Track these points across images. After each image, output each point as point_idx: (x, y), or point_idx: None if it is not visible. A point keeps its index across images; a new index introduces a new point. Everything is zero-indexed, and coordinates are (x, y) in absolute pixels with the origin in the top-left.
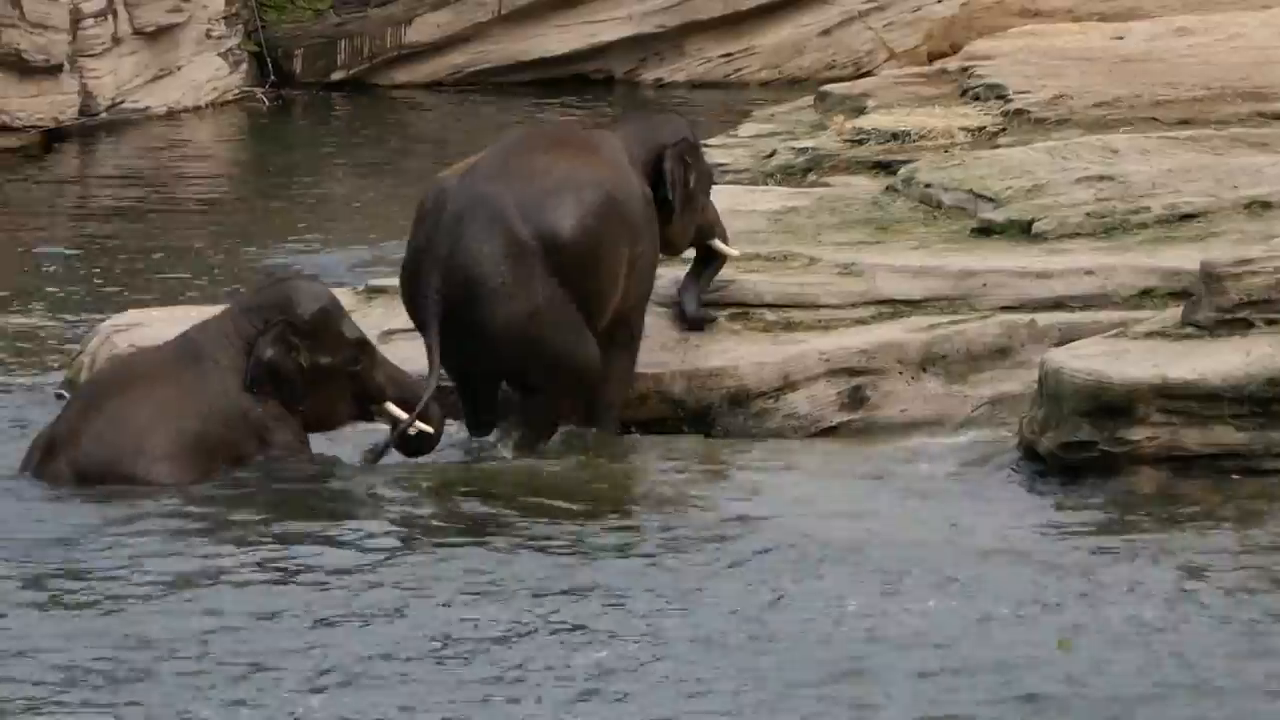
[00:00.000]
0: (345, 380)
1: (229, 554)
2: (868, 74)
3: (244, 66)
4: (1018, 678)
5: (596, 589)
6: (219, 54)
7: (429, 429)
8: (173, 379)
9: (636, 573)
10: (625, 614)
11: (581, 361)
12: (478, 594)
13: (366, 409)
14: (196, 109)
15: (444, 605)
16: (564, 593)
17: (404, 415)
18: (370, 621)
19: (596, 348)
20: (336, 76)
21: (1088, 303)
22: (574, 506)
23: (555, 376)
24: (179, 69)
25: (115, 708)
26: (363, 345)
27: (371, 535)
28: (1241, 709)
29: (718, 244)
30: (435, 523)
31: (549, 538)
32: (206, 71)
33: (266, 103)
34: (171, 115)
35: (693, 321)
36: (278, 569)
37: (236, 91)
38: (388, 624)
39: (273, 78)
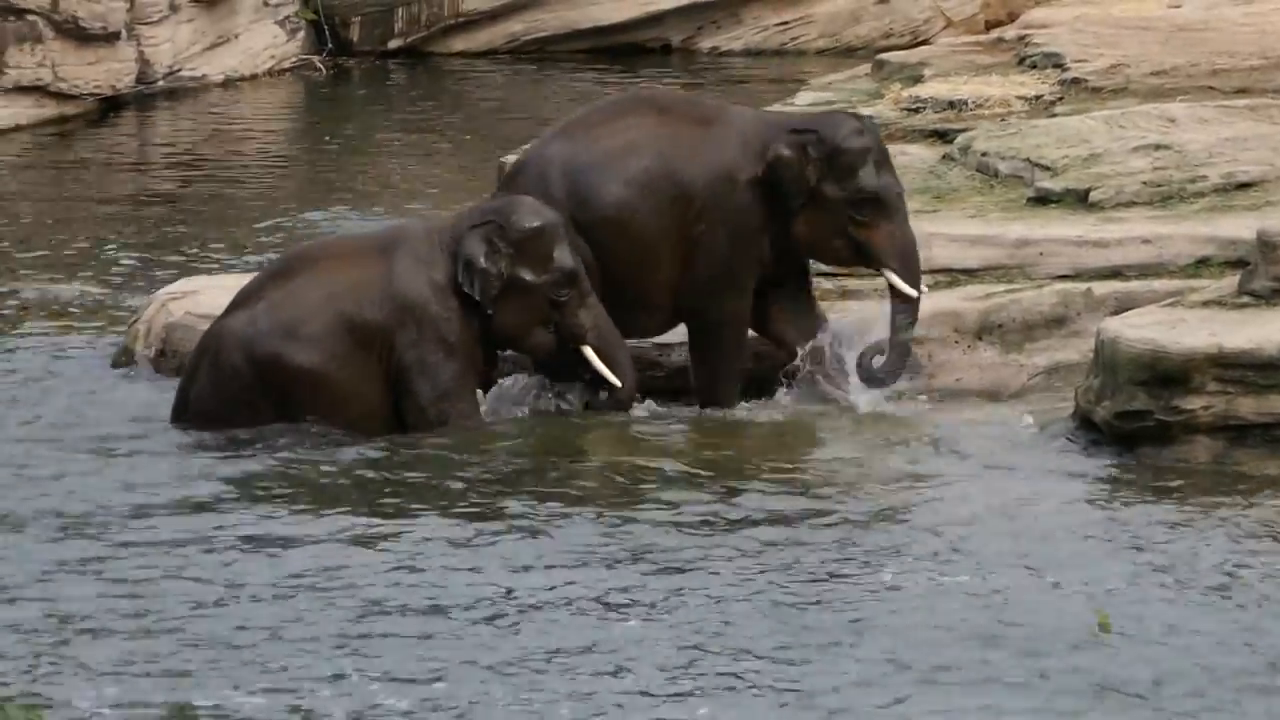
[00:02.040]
0: (545, 305)
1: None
2: (925, 42)
3: (301, 34)
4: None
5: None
6: (276, 22)
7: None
8: (358, 265)
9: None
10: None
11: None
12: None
13: (565, 345)
14: (253, 77)
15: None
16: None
17: (603, 368)
18: None
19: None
20: (394, 45)
21: (1144, 272)
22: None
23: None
24: (236, 37)
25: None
26: (574, 279)
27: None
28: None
29: (891, 276)
30: None
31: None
32: (264, 39)
33: (324, 71)
34: (228, 83)
35: (868, 381)
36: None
37: (294, 60)
38: None
39: (330, 46)
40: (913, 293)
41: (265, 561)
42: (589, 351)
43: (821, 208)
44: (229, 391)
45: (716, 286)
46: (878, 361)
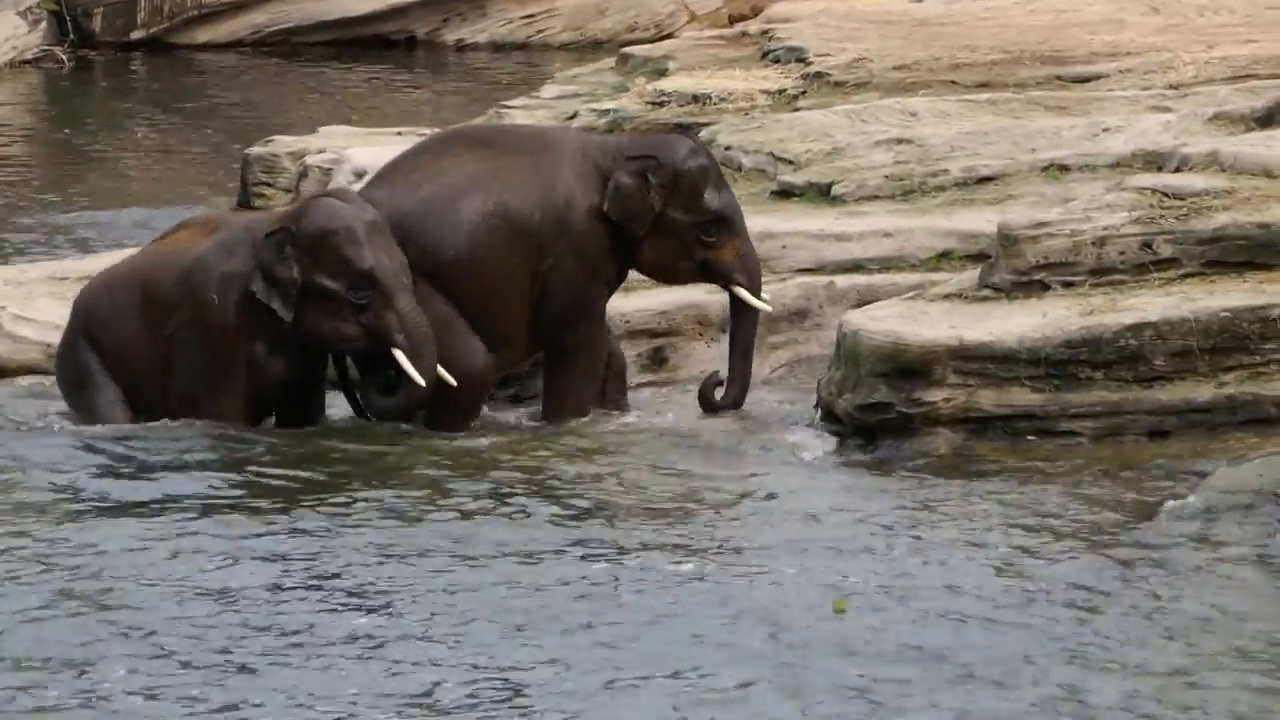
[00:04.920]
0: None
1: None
2: (669, 36)
3: (43, 25)
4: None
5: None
6: (17, 12)
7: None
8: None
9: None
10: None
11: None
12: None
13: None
14: None
15: None
16: None
17: (410, 368)
18: None
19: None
20: (136, 35)
21: (886, 265)
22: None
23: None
24: None
25: None
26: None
27: None
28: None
29: (740, 291)
30: None
31: None
32: (5, 30)
33: (65, 63)
34: None
35: (710, 410)
36: None
37: (35, 51)
38: None
39: (72, 36)
40: (764, 306)
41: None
42: (397, 353)
43: (667, 232)
44: None
45: (571, 318)
46: (719, 393)
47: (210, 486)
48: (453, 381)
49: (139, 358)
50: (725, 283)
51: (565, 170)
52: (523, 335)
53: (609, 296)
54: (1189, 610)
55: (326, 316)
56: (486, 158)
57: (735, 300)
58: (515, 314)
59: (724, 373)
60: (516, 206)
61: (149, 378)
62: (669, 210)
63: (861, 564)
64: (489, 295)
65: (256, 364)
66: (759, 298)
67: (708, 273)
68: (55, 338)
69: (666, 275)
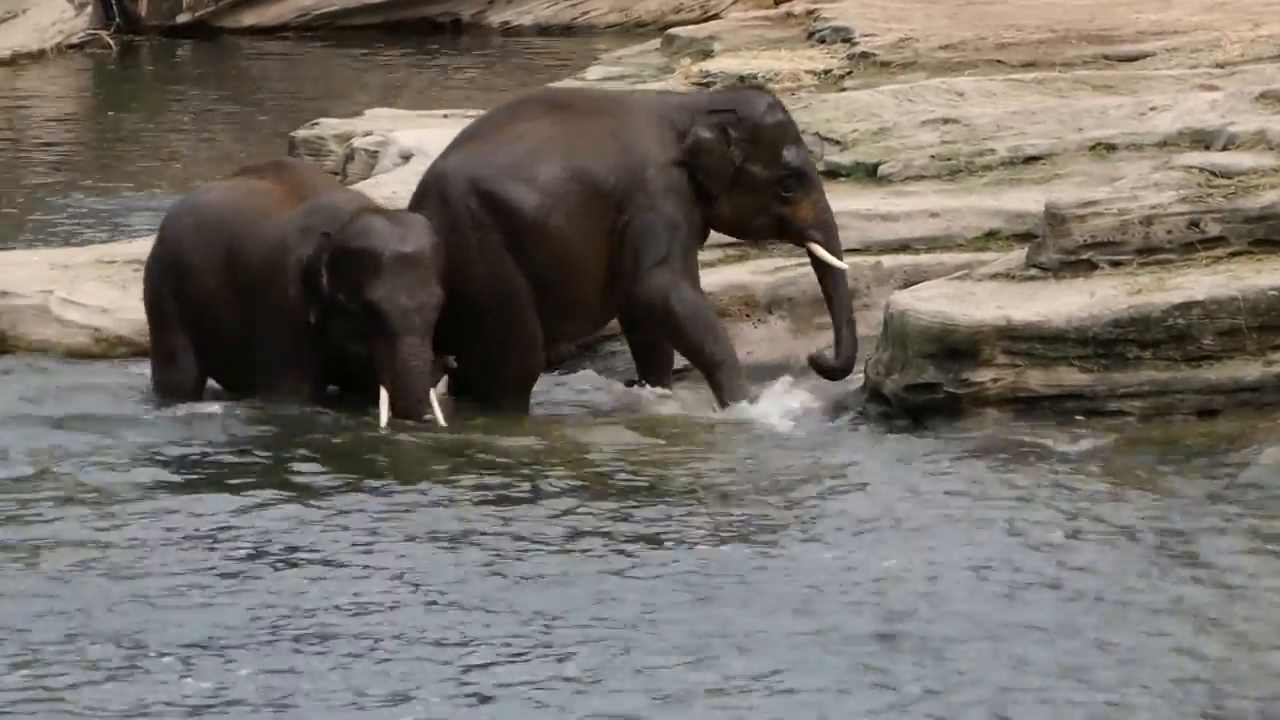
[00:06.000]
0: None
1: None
2: (714, 17)
3: (89, 9)
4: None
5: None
6: None
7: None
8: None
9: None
10: None
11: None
12: None
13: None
14: (41, 53)
15: None
16: None
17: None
18: None
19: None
20: (182, 19)
21: (933, 245)
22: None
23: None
24: (24, 12)
25: None
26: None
27: None
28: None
29: (818, 249)
30: None
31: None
32: (51, 14)
33: (112, 47)
34: (15, 60)
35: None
36: None
37: (82, 35)
38: None
39: (118, 20)
40: (840, 264)
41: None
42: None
43: (746, 187)
44: None
45: (652, 272)
46: (829, 354)
47: (319, 470)
48: (443, 424)
49: (216, 316)
50: (801, 240)
51: (641, 130)
52: (597, 300)
53: (695, 252)
54: (1244, 588)
55: (342, 333)
56: (562, 121)
57: (817, 261)
58: (591, 278)
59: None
60: (593, 168)
61: (223, 337)
62: (748, 165)
63: (937, 544)
64: (566, 258)
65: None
66: (839, 258)
67: (783, 229)
68: (103, 321)
69: (743, 231)
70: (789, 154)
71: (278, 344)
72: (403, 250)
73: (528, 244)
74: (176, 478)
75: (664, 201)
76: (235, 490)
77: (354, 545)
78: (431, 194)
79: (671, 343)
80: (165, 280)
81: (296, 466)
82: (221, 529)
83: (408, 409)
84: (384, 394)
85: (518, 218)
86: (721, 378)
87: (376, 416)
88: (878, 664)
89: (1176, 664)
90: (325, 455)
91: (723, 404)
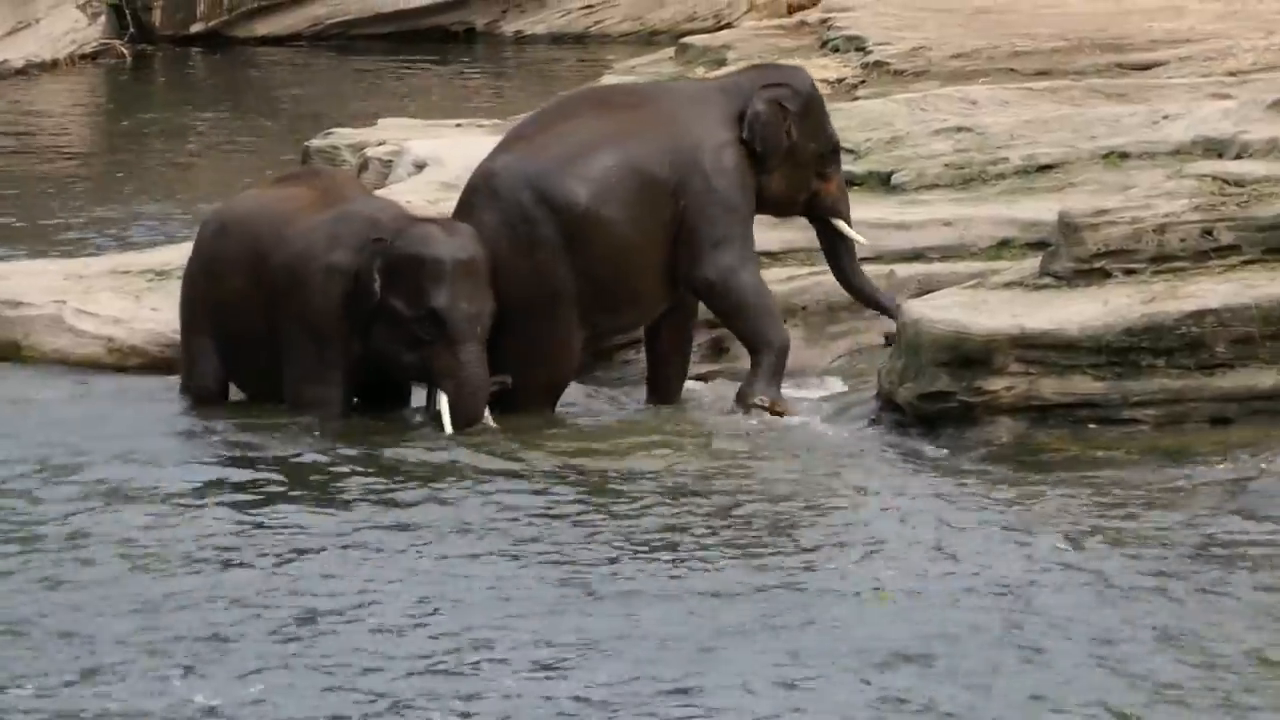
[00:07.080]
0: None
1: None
2: (728, 26)
3: (102, 19)
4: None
5: None
6: (77, 6)
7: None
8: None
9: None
10: None
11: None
12: None
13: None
14: (54, 63)
15: None
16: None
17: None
18: None
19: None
20: (196, 29)
21: (946, 253)
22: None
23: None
24: (37, 21)
25: None
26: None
27: None
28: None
29: (842, 224)
30: None
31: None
32: (64, 24)
33: (126, 57)
34: (28, 69)
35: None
36: None
37: (95, 45)
38: None
39: (132, 30)
40: (861, 239)
41: None
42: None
43: (797, 162)
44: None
45: (712, 254)
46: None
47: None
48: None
49: (241, 320)
50: (829, 215)
51: (690, 115)
52: (653, 291)
53: (752, 234)
54: (1257, 598)
55: (392, 340)
56: (610, 115)
57: (830, 240)
58: (647, 269)
59: None
60: (645, 158)
61: (248, 341)
62: (801, 139)
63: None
64: (622, 250)
65: (354, 354)
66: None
67: (812, 206)
68: (116, 331)
69: (788, 207)
70: (830, 128)
71: (303, 350)
72: (462, 257)
73: (582, 237)
74: (243, 478)
75: (721, 182)
76: (279, 500)
77: (442, 554)
78: (482, 192)
79: (727, 323)
80: (195, 283)
81: (365, 479)
82: (296, 533)
83: (470, 415)
84: (444, 400)
85: (572, 211)
86: (765, 359)
87: (433, 424)
88: (901, 684)
89: (1194, 675)
90: (388, 464)
91: (752, 388)
